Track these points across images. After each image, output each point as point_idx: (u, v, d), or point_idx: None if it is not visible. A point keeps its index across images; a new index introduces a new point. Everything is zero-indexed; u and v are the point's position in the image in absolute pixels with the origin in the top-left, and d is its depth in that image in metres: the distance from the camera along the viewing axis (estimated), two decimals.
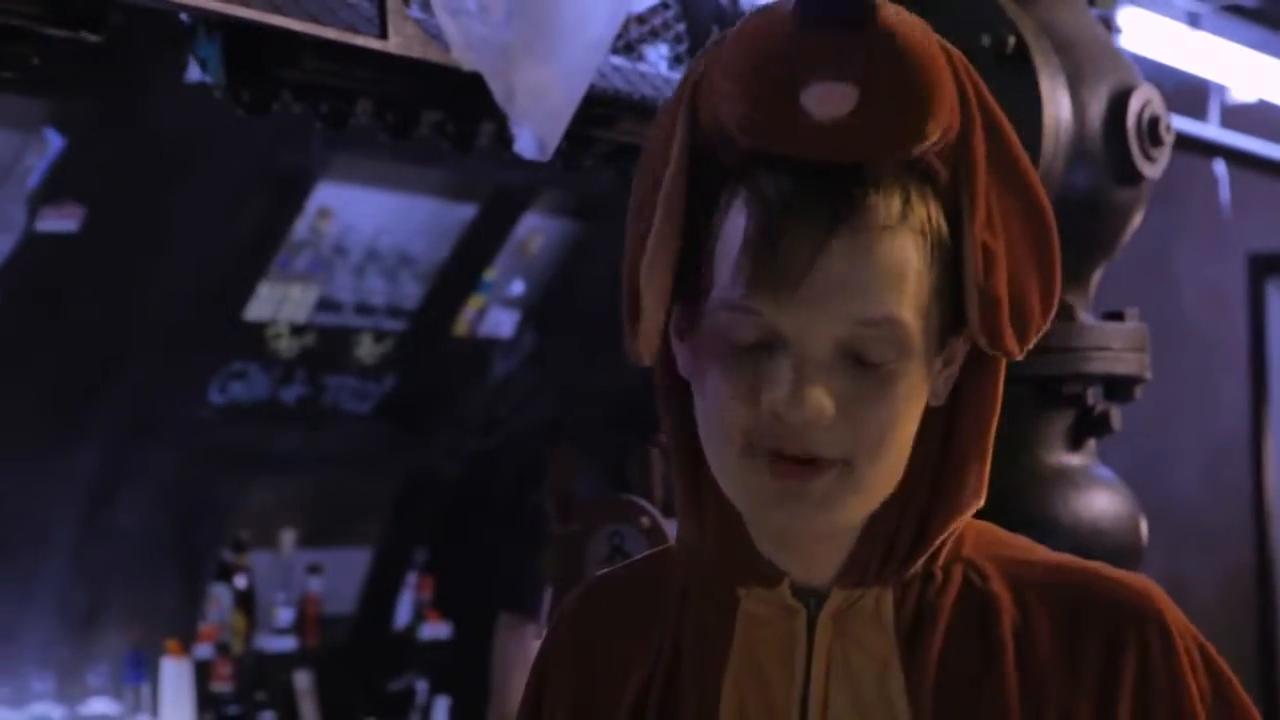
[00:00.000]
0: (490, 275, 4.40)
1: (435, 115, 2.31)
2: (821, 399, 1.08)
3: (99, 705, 3.86)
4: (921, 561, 1.15)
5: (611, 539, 2.19)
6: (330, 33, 1.86)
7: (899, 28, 1.09)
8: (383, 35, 1.91)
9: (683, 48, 2.37)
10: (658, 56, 2.58)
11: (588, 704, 1.23)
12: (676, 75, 2.54)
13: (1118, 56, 2.20)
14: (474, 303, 4.42)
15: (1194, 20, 3.71)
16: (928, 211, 1.10)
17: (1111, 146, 2.12)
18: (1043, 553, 1.19)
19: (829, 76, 1.08)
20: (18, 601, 3.71)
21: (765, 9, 1.14)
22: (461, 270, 4.31)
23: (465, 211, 4.23)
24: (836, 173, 1.08)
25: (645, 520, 2.17)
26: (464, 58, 1.97)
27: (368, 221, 4.09)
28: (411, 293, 4.27)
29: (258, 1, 1.82)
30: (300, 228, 3.91)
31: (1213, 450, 5.65)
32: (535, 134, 2.04)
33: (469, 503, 4.63)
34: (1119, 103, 2.12)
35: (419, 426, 4.46)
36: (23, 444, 3.52)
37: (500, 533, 4.48)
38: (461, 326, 4.42)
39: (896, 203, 1.08)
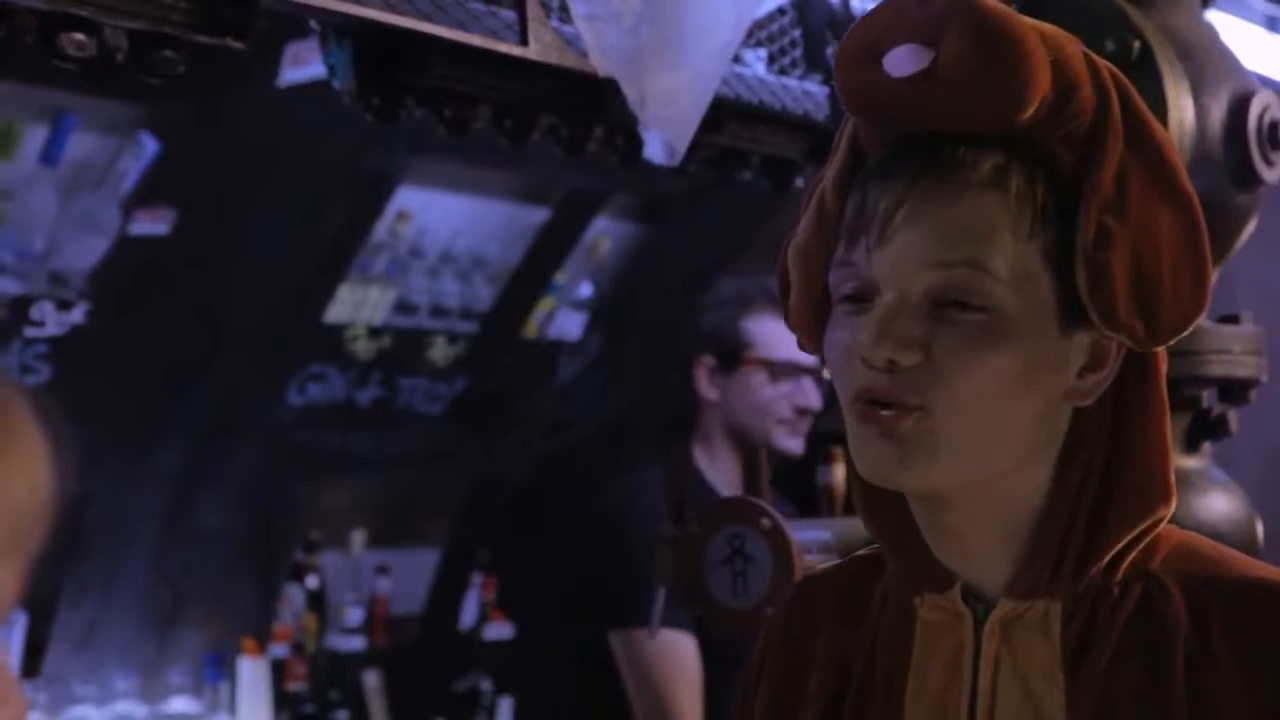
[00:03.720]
0: (560, 278, 4.42)
1: (550, 120, 2.33)
2: (900, 340, 1.11)
3: (180, 704, 3.88)
4: (1095, 574, 1.15)
5: (731, 541, 2.19)
6: (475, 39, 1.89)
7: (980, 2, 1.14)
8: (523, 42, 1.94)
9: (798, 53, 2.39)
10: (755, 59, 2.60)
11: (788, 698, 1.25)
12: (775, 79, 2.56)
13: (1235, 62, 2.21)
14: (544, 305, 4.44)
15: (1272, 24, 3.72)
16: (1031, 185, 1.14)
17: (1231, 150, 2.14)
18: (1241, 569, 1.17)
19: (906, 39, 1.14)
20: (102, 602, 3.74)
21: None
22: (533, 273, 4.33)
23: (538, 215, 4.25)
24: (929, 138, 1.14)
25: (766, 522, 2.17)
26: (600, 64, 2.00)
27: (443, 224, 4.11)
28: (484, 295, 4.29)
29: (407, 9, 1.85)
30: (379, 230, 3.93)
31: (1271, 456, 5.64)
32: (665, 139, 2.07)
33: (532, 504, 4.65)
34: (1239, 107, 2.14)
35: (487, 428, 4.48)
36: (111, 444, 3.54)
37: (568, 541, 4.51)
38: (531, 329, 4.45)
39: (988, 166, 1.13)
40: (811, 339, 1.21)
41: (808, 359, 2.89)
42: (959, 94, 1.12)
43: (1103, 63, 1.17)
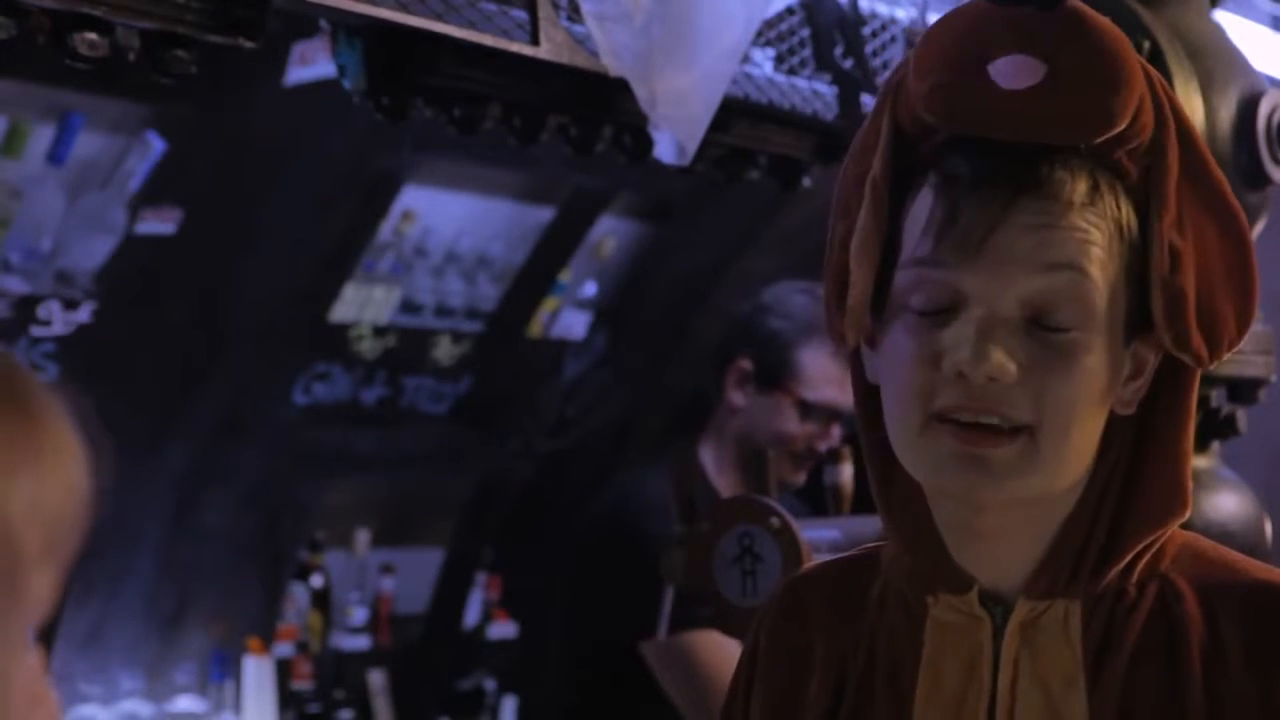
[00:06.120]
0: (565, 277, 4.42)
1: (559, 119, 2.33)
2: (1004, 356, 1.09)
3: (185, 703, 3.88)
4: (1113, 575, 1.15)
5: (741, 540, 2.19)
6: (487, 39, 1.89)
7: (1089, 12, 1.13)
8: (534, 42, 1.94)
9: (806, 52, 2.39)
10: (764, 59, 2.60)
11: (788, 701, 1.25)
12: (784, 79, 2.56)
13: (1244, 62, 2.21)
14: (548, 304, 4.45)
15: (1278, 24, 3.72)
16: (1117, 204, 1.12)
17: (1241, 150, 2.14)
18: (1249, 570, 1.18)
19: (1017, 49, 1.11)
20: (108, 601, 3.74)
21: (959, 5, 1.18)
22: (538, 272, 4.33)
23: (543, 214, 4.25)
24: (1023, 152, 1.11)
25: (775, 521, 2.17)
26: (610, 64, 2.00)
27: (448, 224, 4.11)
28: (489, 294, 4.29)
29: (418, 9, 1.85)
30: (384, 230, 3.93)
31: (1274, 454, 5.63)
32: (675, 139, 2.06)
33: (537, 503, 4.65)
34: (1249, 107, 2.14)
35: (492, 427, 4.48)
36: (117, 444, 3.53)
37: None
38: (535, 328, 4.45)
39: (1084, 186, 1.11)
40: (861, 338, 1.18)
41: (844, 402, 2.81)
42: (1065, 110, 1.10)
43: (1150, 68, 1.15)
